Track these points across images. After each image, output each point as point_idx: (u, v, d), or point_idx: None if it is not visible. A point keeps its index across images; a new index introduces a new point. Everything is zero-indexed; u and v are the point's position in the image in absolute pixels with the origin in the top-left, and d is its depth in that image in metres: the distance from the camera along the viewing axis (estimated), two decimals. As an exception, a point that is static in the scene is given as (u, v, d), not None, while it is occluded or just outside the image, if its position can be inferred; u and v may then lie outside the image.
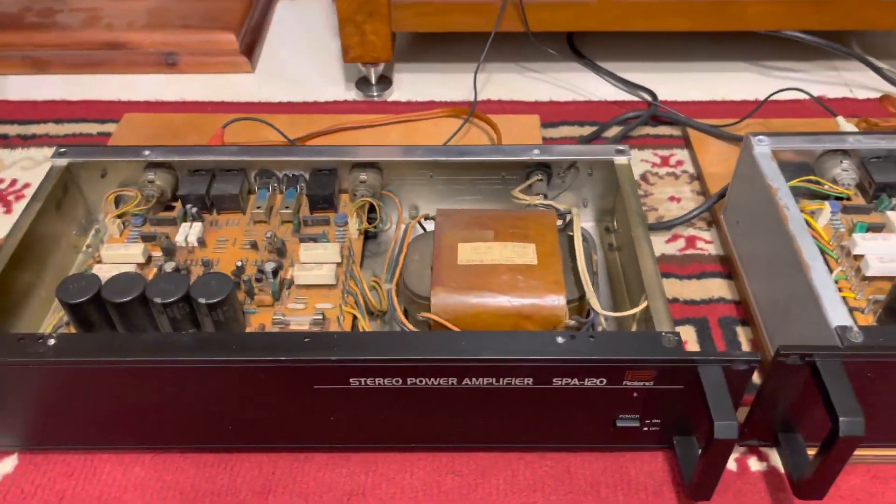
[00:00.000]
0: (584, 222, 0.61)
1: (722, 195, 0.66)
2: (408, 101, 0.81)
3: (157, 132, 0.76)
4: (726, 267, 0.62)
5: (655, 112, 0.76)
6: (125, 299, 0.47)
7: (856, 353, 0.41)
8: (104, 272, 0.52)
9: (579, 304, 0.50)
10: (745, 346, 0.56)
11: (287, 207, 0.58)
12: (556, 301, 0.48)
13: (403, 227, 0.56)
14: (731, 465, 0.49)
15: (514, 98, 0.81)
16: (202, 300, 0.47)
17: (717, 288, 0.60)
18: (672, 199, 0.68)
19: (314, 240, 0.57)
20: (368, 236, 0.60)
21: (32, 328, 0.53)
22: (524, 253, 0.51)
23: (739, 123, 0.73)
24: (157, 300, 0.47)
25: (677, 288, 0.60)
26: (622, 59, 0.86)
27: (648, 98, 0.79)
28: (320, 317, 0.50)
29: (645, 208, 0.67)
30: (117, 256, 0.54)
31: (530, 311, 0.48)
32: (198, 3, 0.91)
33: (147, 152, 0.58)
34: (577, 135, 0.76)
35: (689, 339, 0.56)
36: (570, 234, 0.54)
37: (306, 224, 0.58)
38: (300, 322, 0.51)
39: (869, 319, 0.48)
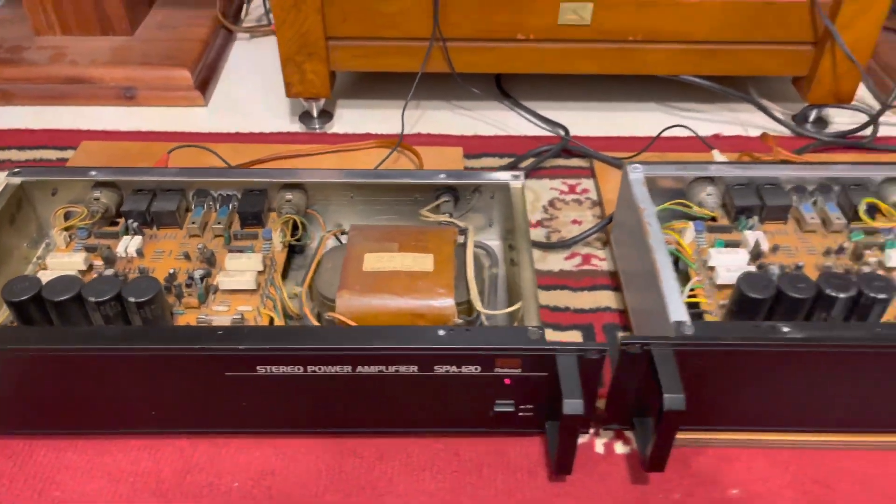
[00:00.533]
0: (492, 240, 0.69)
1: (611, 219, 0.74)
2: (345, 133, 0.89)
3: (111, 159, 0.82)
4: (614, 281, 0.69)
5: (566, 146, 0.85)
6: (63, 298, 0.53)
7: (685, 343, 0.48)
8: (48, 276, 0.58)
9: (469, 307, 0.57)
10: (624, 349, 0.62)
11: (219, 223, 0.65)
12: (446, 302, 0.55)
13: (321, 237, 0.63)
14: (599, 448, 0.56)
15: (442, 132, 0.88)
16: (131, 299, 0.53)
17: (605, 299, 0.67)
18: (574, 222, 0.76)
19: (242, 251, 0.63)
20: (297, 251, 0.67)
21: (-18, 328, 0.59)
22: (422, 262, 0.58)
23: (638, 156, 0.82)
24: (92, 298, 0.53)
25: (570, 299, 0.68)
26: (544, 99, 0.94)
27: (562, 133, 0.88)
28: (239, 317, 0.57)
29: (550, 230, 0.75)
30: (61, 264, 0.60)
31: (423, 311, 0.55)
32: (158, 42, 0.99)
33: (93, 172, 0.65)
34: (496, 165, 0.84)
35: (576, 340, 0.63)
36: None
37: (236, 238, 0.65)
38: (222, 321, 0.57)
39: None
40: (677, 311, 0.51)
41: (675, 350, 0.48)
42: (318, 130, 0.90)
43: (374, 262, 0.58)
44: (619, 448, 0.56)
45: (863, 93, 0.96)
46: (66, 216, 0.67)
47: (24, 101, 0.95)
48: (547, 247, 0.73)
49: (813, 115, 0.88)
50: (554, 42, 0.83)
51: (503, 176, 0.65)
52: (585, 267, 0.71)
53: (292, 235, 0.65)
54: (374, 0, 0.80)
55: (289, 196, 0.65)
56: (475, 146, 0.86)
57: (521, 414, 0.54)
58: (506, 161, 0.84)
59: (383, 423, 0.55)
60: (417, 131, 0.89)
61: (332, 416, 0.54)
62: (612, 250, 0.71)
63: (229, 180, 0.66)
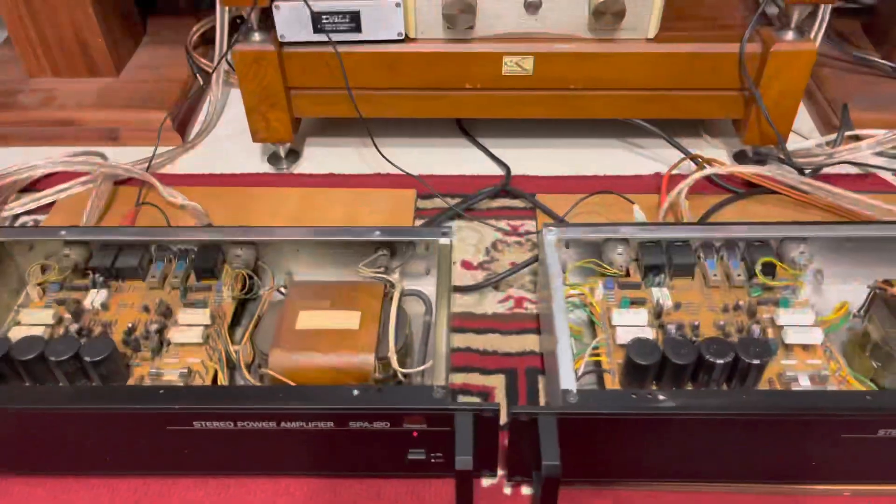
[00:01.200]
0: (430, 287, 0.74)
1: (535, 260, 0.79)
2: (311, 174, 0.95)
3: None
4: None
5: (506, 186, 0.90)
6: (27, 357, 0.61)
7: (568, 413, 0.54)
8: (20, 333, 0.65)
9: (388, 361, 0.63)
10: (541, 394, 0.68)
11: (176, 276, 0.72)
12: (365, 359, 0.61)
13: (263, 292, 0.70)
14: (507, 489, 0.62)
15: (400, 172, 0.94)
16: (87, 358, 0.60)
17: (532, 343, 0.73)
18: (512, 264, 0.81)
19: (194, 305, 0.70)
20: (250, 301, 0.73)
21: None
22: (349, 319, 0.64)
23: (572, 210, 0.86)
24: (52, 358, 0.60)
25: (499, 342, 0.73)
26: (497, 136, 0.99)
27: (503, 172, 0.93)
28: (186, 371, 0.64)
29: (488, 273, 0.80)
30: (32, 319, 0.67)
31: (347, 367, 0.61)
32: (140, 85, 1.06)
33: (63, 232, 0.72)
34: (447, 205, 0.89)
35: (499, 385, 0.69)
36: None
37: (191, 290, 0.72)
38: (172, 374, 0.64)
39: (614, 380, 0.60)
40: (566, 380, 0.56)
41: (558, 418, 0.54)
42: (285, 171, 0.96)
43: (307, 319, 0.64)
44: (526, 490, 0.62)
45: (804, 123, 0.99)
46: (43, 269, 0.74)
47: (18, 143, 1.02)
48: (468, 289, 0.78)
49: (750, 151, 0.92)
50: (499, 90, 0.88)
51: (433, 233, 0.71)
52: (517, 310, 0.77)
53: (247, 288, 0.71)
54: (329, 55, 0.85)
55: (238, 252, 0.72)
56: (432, 184, 0.92)
57: (433, 460, 0.60)
58: (457, 201, 0.89)
59: (311, 467, 0.62)
60: (377, 171, 0.95)
61: (264, 460, 0.61)
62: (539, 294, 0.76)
63: (185, 238, 0.73)
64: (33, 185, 0.94)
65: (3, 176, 0.89)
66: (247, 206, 0.89)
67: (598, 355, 0.62)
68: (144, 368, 0.65)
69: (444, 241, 0.71)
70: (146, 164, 0.92)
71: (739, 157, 0.94)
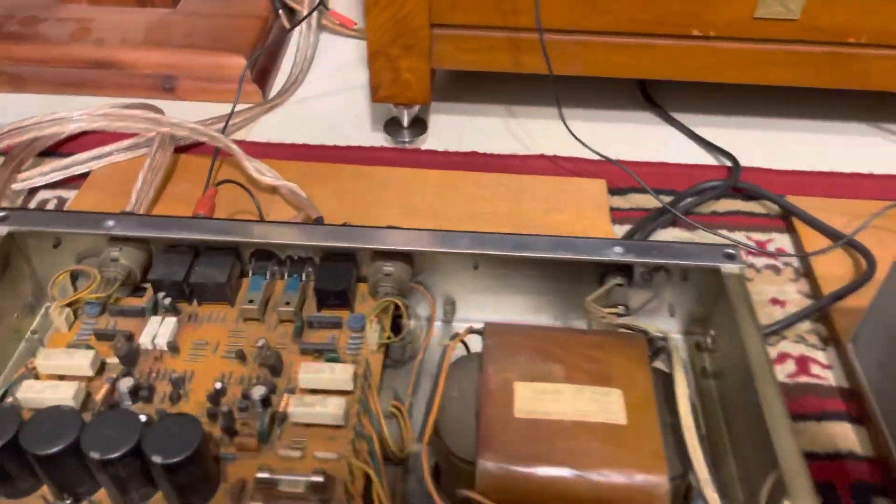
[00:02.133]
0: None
1: (838, 297, 0.52)
2: (444, 151, 0.68)
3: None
4: (853, 405, 0.47)
5: (736, 182, 0.62)
6: (51, 451, 0.34)
7: None
8: (35, 393, 0.39)
9: (680, 482, 0.36)
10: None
11: (288, 303, 0.45)
12: (656, 483, 0.34)
13: (437, 339, 0.43)
14: None
15: (575, 154, 0.67)
16: (158, 459, 0.33)
17: (844, 436, 0.46)
18: (775, 301, 0.54)
19: (320, 351, 0.43)
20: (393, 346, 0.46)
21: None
22: (607, 404, 0.37)
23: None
24: (95, 455, 0.33)
25: (790, 432, 0.46)
26: (703, 112, 0.72)
27: (728, 163, 0.65)
28: (321, 478, 0.37)
29: (741, 313, 0.53)
30: (57, 368, 0.40)
31: (618, 497, 0.34)
32: (204, 20, 0.78)
33: (110, 223, 0.45)
34: (650, 206, 0.62)
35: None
36: (664, 370, 0.40)
37: (311, 326, 0.45)
38: (293, 483, 0.37)
39: None
40: None
41: None
42: (408, 145, 0.69)
43: (531, 399, 0.37)
44: None
45: None
46: (74, 278, 0.47)
47: (37, 89, 0.75)
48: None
49: None
50: (742, 42, 0.60)
51: (710, 254, 0.44)
52: (803, 378, 0.49)
53: (392, 326, 0.44)
54: (501, -24, 0.58)
55: (388, 268, 0.45)
56: (620, 177, 0.64)
57: None
58: (664, 198, 0.62)
59: None
60: (540, 151, 0.68)
61: None
62: (843, 355, 0.49)
63: (302, 243, 0.45)
64: (58, 148, 0.67)
65: (18, 131, 0.62)
66: (362, 193, 0.62)
67: None
68: (246, 466, 0.38)
69: (730, 267, 0.44)
70: (221, 125, 0.65)
71: None
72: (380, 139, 0.69)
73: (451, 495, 0.35)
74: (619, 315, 0.44)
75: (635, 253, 0.44)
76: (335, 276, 0.45)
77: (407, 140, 0.69)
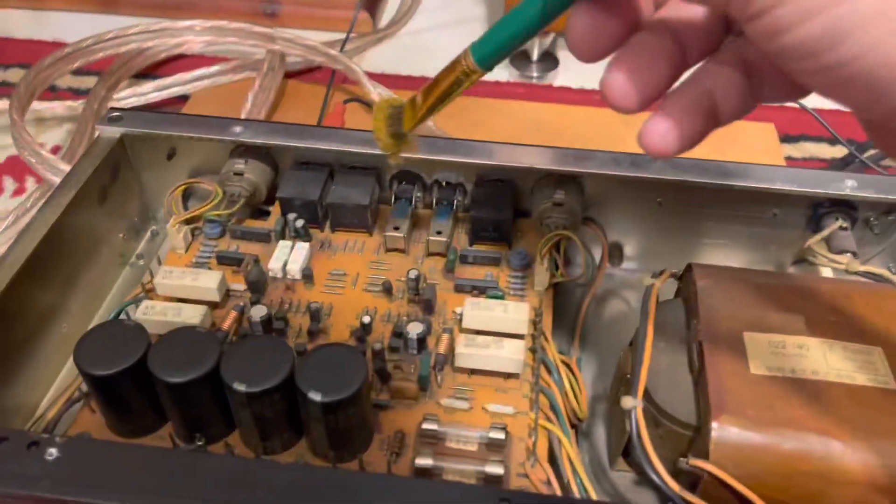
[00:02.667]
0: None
1: None
2: (580, 89, 0.60)
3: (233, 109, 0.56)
4: None
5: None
6: (185, 379, 0.28)
7: None
8: (155, 315, 0.32)
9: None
10: None
11: (439, 232, 0.38)
12: (945, 468, 0.26)
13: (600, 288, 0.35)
14: None
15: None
16: (316, 397, 0.27)
17: None
18: None
19: (479, 290, 0.36)
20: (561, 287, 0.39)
21: (41, 383, 0.35)
22: (868, 364, 0.29)
23: None
24: (240, 388, 0.27)
25: None
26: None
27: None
28: (501, 434, 0.30)
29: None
30: (179, 289, 0.34)
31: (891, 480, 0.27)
32: (311, -60, 0.72)
33: (238, 129, 0.39)
34: (825, 156, 0.53)
35: None
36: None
37: (465, 261, 0.38)
38: (465, 438, 0.30)
39: None
40: None
41: None
42: (536, 80, 0.61)
43: (769, 353, 0.30)
44: None
45: None
46: (187, 197, 0.41)
47: (130, 10, 0.70)
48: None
49: None
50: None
51: (966, 194, 0.36)
52: None
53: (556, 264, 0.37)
54: None
55: (559, 196, 0.38)
56: (789, 122, 0.56)
57: None
58: (839, 151, 0.54)
59: None
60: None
61: None
62: None
63: (457, 160, 0.38)
64: (154, 70, 0.62)
65: (116, 42, 0.56)
66: (498, 128, 0.55)
67: None
68: (403, 416, 0.31)
69: None
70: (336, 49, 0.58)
71: None
72: (505, 74, 0.62)
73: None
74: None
75: (875, 189, 0.36)
76: (493, 203, 0.38)
77: (536, 75, 0.61)
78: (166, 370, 0.28)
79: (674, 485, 0.27)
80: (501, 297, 0.35)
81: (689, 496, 0.27)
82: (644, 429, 0.28)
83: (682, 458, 0.28)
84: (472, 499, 0.23)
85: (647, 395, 0.30)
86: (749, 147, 0.53)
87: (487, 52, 0.23)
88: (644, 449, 0.28)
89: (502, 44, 0.22)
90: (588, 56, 0.22)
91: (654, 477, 0.27)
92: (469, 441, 0.30)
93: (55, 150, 0.54)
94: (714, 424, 0.27)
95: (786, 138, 0.55)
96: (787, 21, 0.18)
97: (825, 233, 0.36)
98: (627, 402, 0.28)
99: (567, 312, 0.39)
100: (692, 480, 0.28)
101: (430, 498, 0.23)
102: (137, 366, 0.28)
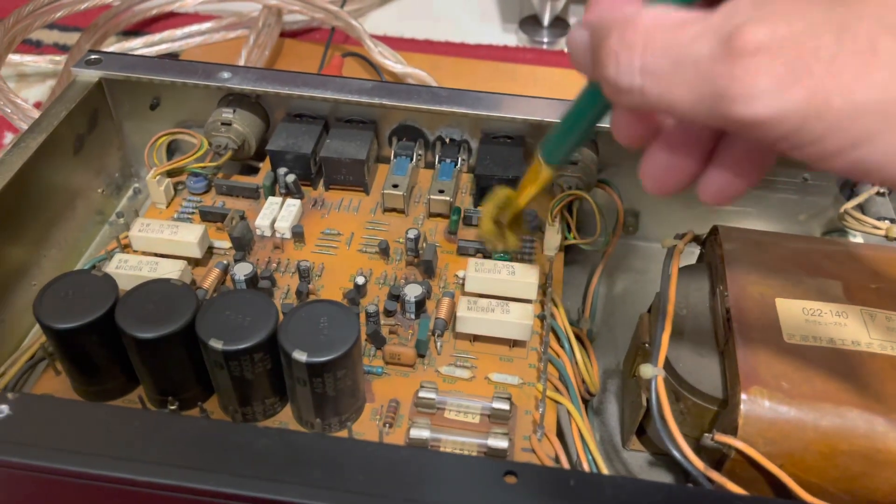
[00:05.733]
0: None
1: None
2: (592, 56, 0.57)
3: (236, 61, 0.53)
4: None
5: None
6: (154, 335, 0.25)
7: None
8: (129, 269, 0.30)
9: None
10: None
11: (441, 191, 0.35)
12: None
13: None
14: None
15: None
16: (301, 357, 0.24)
17: None
18: None
19: (483, 252, 0.33)
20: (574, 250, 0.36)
21: (7, 343, 0.32)
22: (911, 334, 0.26)
23: None
24: (216, 345, 0.24)
25: None
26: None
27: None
28: (506, 405, 0.27)
29: None
30: (156, 243, 0.31)
31: (938, 461, 0.24)
32: None
33: (226, 74, 0.36)
34: None
35: None
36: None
37: (469, 223, 0.35)
38: (466, 408, 0.27)
39: None
40: None
41: None
42: (546, 46, 0.58)
43: (804, 322, 0.27)
44: None
45: None
46: (170, 149, 0.38)
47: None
48: None
49: None
50: None
51: None
52: None
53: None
54: None
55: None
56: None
57: None
58: None
59: None
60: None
61: None
62: None
63: (462, 111, 0.36)
64: (143, 27, 0.59)
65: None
66: (493, 89, 0.52)
67: None
68: (398, 383, 0.29)
69: None
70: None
71: None
72: (513, 39, 0.59)
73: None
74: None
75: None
76: (501, 161, 0.35)
77: (546, 41, 0.58)
78: (135, 325, 0.25)
79: (698, 462, 0.24)
80: (508, 259, 0.32)
81: (714, 475, 0.24)
82: (665, 400, 0.25)
83: (706, 434, 0.25)
84: (475, 471, 0.21)
85: (668, 366, 0.27)
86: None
87: (557, 152, 0.25)
88: (665, 422, 0.25)
89: (570, 148, 0.25)
90: (630, 145, 0.22)
91: (676, 453, 0.25)
92: (470, 411, 0.27)
93: (37, 107, 0.51)
94: (744, 397, 0.24)
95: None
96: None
97: (861, 198, 0.33)
98: (647, 370, 0.26)
99: (573, 281, 0.36)
100: (717, 458, 0.25)
101: (428, 469, 0.21)
102: (104, 319, 0.25)
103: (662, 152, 0.21)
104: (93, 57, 0.36)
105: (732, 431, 0.24)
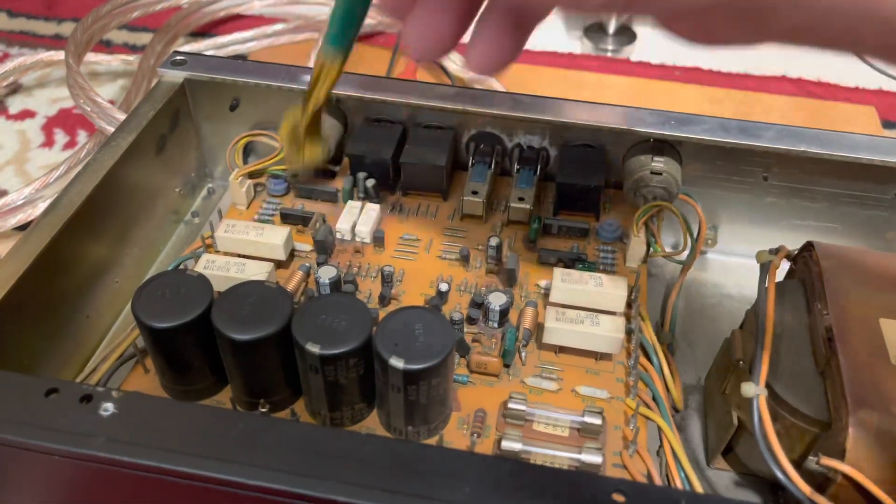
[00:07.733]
0: None
1: None
2: (660, 64, 0.56)
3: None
4: None
5: None
6: (251, 337, 0.25)
7: None
8: (216, 269, 0.30)
9: None
10: None
11: (521, 199, 0.35)
12: None
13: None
14: None
15: (826, 79, 0.54)
16: (398, 363, 0.24)
17: None
18: None
19: (565, 262, 0.33)
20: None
21: (90, 338, 0.32)
22: None
23: None
24: (313, 349, 0.24)
25: None
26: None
27: None
28: (598, 420, 0.26)
29: None
30: (241, 244, 0.32)
31: None
32: None
33: (308, 77, 0.36)
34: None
35: None
36: None
37: (548, 231, 0.35)
38: (556, 420, 0.27)
39: None
40: None
41: None
42: (611, 54, 0.58)
43: (906, 343, 0.26)
44: None
45: None
46: (247, 151, 0.38)
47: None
48: None
49: None
50: None
51: None
52: None
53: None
54: None
55: (658, 163, 0.34)
56: (888, 105, 0.52)
57: None
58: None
59: None
60: (781, 73, 0.55)
61: None
62: None
63: (543, 118, 0.35)
64: (211, 29, 0.59)
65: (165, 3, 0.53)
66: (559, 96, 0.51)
67: None
68: (484, 393, 0.28)
69: None
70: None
71: None
72: (578, 47, 0.58)
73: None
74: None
75: None
76: (583, 169, 0.35)
77: (611, 49, 0.58)
78: (232, 326, 0.25)
79: (805, 486, 0.24)
80: (593, 270, 0.32)
81: (821, 500, 0.23)
82: (769, 420, 0.24)
83: (811, 458, 0.24)
84: (584, 488, 0.20)
85: (767, 385, 0.26)
86: (848, 129, 0.49)
87: (331, 35, 0.26)
88: (769, 444, 0.24)
89: (338, 22, 0.26)
90: (393, 14, 0.23)
91: (781, 475, 0.24)
92: (560, 424, 0.27)
93: (109, 105, 0.51)
94: (852, 420, 0.24)
95: (887, 124, 0.50)
96: None
97: (960, 216, 0.32)
98: (749, 389, 0.25)
99: (650, 294, 0.35)
100: (819, 483, 0.25)
101: (536, 483, 0.20)
102: (200, 319, 0.25)
103: (421, 15, 0.22)
104: (178, 58, 0.37)
105: (838, 455, 0.24)
